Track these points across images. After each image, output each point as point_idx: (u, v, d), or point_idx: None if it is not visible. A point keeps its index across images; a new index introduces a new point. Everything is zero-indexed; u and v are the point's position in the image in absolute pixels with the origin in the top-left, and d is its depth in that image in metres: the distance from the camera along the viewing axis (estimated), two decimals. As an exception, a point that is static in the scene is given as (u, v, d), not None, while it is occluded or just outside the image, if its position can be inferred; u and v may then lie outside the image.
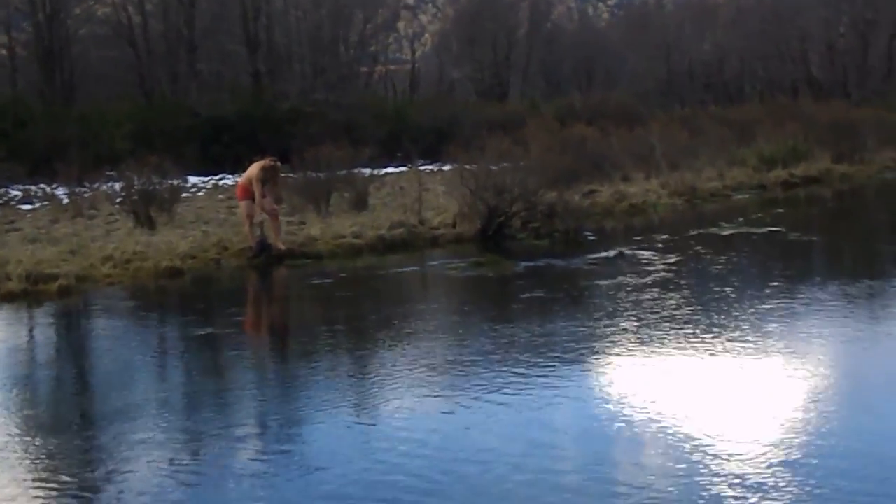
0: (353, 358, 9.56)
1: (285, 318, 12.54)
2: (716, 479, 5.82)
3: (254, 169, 15.77)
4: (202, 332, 10.86)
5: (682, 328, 9.78)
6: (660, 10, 71.05)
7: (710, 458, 6.16)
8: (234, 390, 8.52)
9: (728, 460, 6.11)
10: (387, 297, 13.14)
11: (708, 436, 6.54)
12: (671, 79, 59.32)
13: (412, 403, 7.64)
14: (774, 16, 58.72)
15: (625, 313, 10.65)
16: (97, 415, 7.89)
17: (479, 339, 9.79)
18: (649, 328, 9.83)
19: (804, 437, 6.51)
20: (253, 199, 15.53)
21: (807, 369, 8.17)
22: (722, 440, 6.45)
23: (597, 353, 9.12)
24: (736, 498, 5.57)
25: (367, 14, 50.34)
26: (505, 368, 8.48)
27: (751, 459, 6.10)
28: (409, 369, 8.60)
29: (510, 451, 6.43)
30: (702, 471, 5.97)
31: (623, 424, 6.91)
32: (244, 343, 10.70)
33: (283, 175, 21.54)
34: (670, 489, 5.74)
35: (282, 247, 15.60)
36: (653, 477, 5.94)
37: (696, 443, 6.43)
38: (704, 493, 5.64)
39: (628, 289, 12.18)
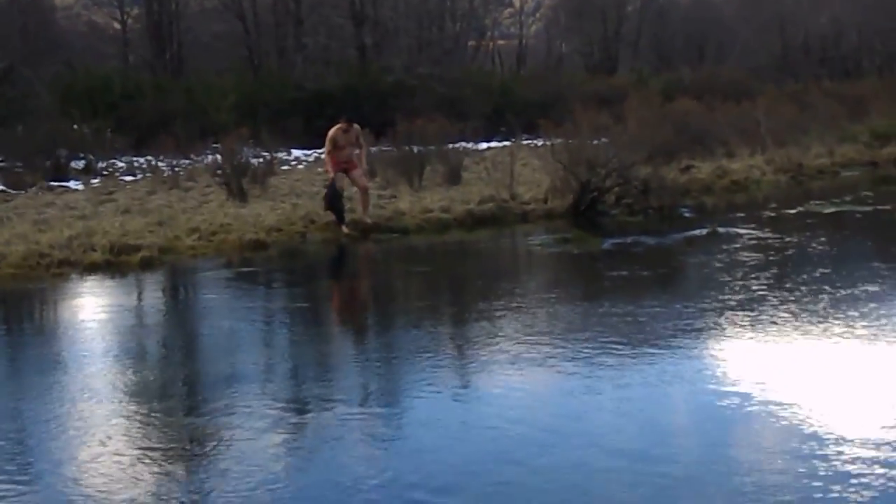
0: (446, 332, 9.38)
1: (368, 292, 12.36)
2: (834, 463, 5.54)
3: (330, 133, 15.65)
4: (284, 305, 10.92)
5: (775, 309, 9.28)
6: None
7: (824, 440, 5.89)
8: (330, 362, 8.42)
9: (844, 444, 5.81)
10: (470, 274, 12.92)
11: (819, 420, 6.23)
12: (786, 53, 57.38)
13: (516, 377, 7.44)
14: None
15: (714, 293, 10.20)
16: (197, 383, 7.82)
17: (567, 318, 9.53)
18: (741, 309, 9.37)
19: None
20: (342, 170, 15.43)
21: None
22: (834, 427, 6.10)
23: (687, 332, 8.63)
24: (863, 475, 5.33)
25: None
26: (601, 347, 8.13)
27: (869, 444, 5.78)
28: (503, 344, 8.36)
29: (626, 431, 6.23)
30: (819, 453, 5.69)
31: (731, 404, 6.61)
32: (328, 316, 10.68)
33: (382, 149, 21.68)
34: (791, 472, 5.46)
35: (368, 221, 15.46)
36: (771, 456, 5.71)
37: (811, 427, 6.11)
38: (823, 475, 5.38)
39: (719, 267, 11.73)
